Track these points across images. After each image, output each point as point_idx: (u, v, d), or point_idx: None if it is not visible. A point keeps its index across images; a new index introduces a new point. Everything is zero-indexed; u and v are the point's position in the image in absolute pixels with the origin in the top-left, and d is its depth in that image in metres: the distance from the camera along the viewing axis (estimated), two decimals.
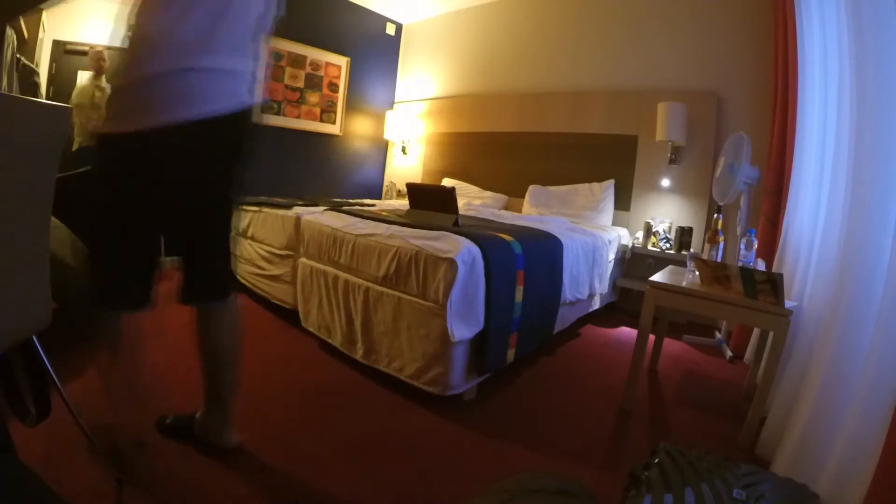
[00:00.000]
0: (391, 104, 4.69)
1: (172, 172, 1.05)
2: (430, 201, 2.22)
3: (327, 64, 3.99)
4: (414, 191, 2.33)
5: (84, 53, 3.96)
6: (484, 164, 3.94)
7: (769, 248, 2.18)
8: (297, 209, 2.42)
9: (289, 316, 2.32)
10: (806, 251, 1.76)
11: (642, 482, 0.85)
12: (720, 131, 2.85)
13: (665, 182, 3.03)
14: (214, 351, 1.20)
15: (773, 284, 1.40)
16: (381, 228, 1.87)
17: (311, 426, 1.45)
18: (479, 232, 1.84)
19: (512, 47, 3.89)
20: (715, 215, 2.05)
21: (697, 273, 1.70)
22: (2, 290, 0.84)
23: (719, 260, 1.79)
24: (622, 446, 1.49)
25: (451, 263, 1.52)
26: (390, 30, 4.54)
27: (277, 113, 3.72)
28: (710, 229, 1.88)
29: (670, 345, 2.47)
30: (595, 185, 3.18)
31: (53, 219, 1.28)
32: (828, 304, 1.28)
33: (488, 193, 3.72)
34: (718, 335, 2.59)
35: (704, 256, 1.89)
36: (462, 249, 1.56)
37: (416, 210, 2.27)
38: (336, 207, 2.49)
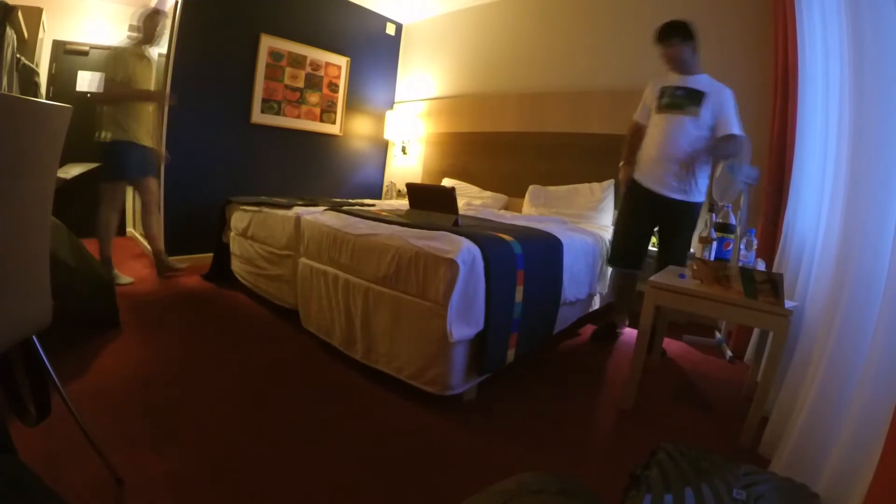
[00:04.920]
0: (391, 104, 4.68)
1: None
2: (430, 201, 2.22)
3: (327, 64, 3.99)
4: (414, 191, 2.32)
5: (84, 53, 3.97)
6: (484, 164, 3.94)
7: (769, 248, 2.18)
8: (297, 209, 2.42)
9: (289, 316, 2.32)
10: (806, 251, 1.76)
11: (642, 482, 0.84)
12: None
13: None
14: None
15: (773, 284, 1.40)
16: (381, 228, 1.86)
17: (311, 426, 1.45)
18: (479, 232, 1.83)
19: (512, 47, 3.88)
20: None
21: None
22: (2, 289, 0.84)
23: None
24: (622, 446, 1.49)
25: (451, 263, 1.52)
26: (390, 30, 4.54)
27: (277, 113, 3.72)
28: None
29: (670, 345, 2.47)
30: (595, 185, 3.18)
31: (53, 219, 1.28)
32: (828, 304, 1.28)
33: (488, 193, 3.71)
34: (718, 335, 2.59)
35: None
36: (462, 249, 1.56)
37: (416, 210, 2.27)
38: (336, 207, 2.49)
